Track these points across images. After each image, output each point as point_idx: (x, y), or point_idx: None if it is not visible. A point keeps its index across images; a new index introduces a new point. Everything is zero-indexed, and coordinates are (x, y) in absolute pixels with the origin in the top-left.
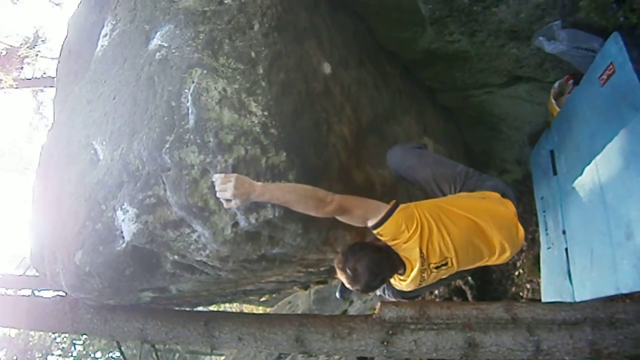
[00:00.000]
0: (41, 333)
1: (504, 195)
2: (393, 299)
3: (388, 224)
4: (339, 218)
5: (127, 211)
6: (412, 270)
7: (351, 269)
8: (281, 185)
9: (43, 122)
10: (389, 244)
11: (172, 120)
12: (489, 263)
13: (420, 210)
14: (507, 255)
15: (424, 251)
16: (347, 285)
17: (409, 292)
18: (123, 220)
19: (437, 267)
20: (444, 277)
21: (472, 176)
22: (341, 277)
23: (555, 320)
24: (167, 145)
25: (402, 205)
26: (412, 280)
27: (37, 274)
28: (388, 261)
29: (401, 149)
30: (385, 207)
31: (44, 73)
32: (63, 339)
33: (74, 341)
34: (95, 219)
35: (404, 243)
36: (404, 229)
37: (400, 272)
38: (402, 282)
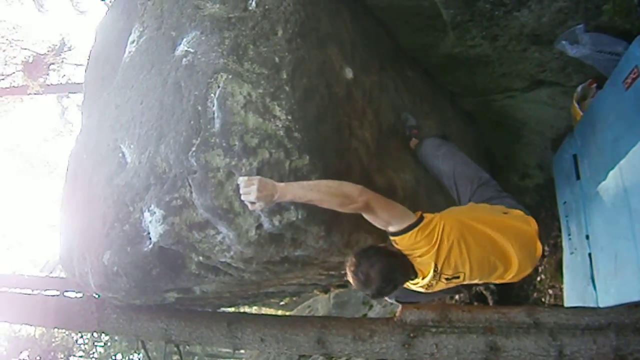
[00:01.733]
0: (64, 334)
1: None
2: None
3: (406, 237)
4: (363, 214)
5: (154, 213)
6: (423, 278)
7: (364, 273)
8: (303, 184)
9: (67, 127)
10: (404, 252)
11: (199, 124)
12: (504, 280)
13: (444, 225)
14: (526, 273)
15: (439, 265)
16: (357, 288)
17: (410, 296)
18: (150, 222)
19: (447, 279)
20: (452, 286)
21: (490, 186)
22: (352, 280)
23: (578, 325)
24: (194, 149)
25: (426, 219)
26: (420, 287)
27: (62, 276)
28: (401, 268)
29: (439, 140)
30: (410, 219)
31: (69, 79)
32: (85, 340)
33: (95, 343)
34: (123, 220)
35: (419, 257)
36: (420, 246)
37: (411, 277)
38: (409, 285)
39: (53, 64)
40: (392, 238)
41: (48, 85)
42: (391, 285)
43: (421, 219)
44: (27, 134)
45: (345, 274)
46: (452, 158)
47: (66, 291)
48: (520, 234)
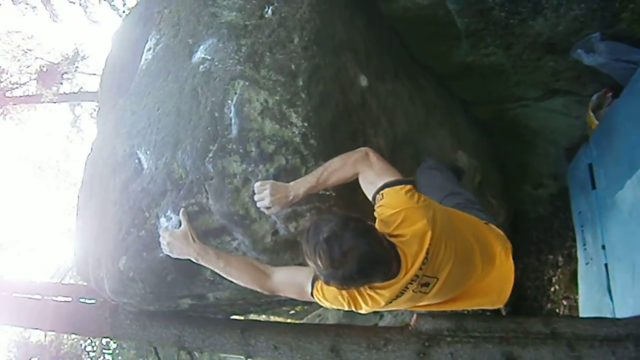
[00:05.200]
0: (73, 341)
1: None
2: None
3: (398, 190)
4: (359, 172)
5: (171, 218)
6: (405, 273)
7: (343, 252)
8: (307, 177)
9: (79, 135)
10: (390, 229)
11: (216, 130)
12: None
13: (434, 205)
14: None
15: (430, 252)
16: (317, 268)
17: None
18: (166, 228)
19: (423, 285)
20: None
21: (472, 203)
22: (318, 254)
23: (596, 336)
24: (211, 155)
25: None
26: (390, 292)
27: (72, 283)
28: (385, 261)
29: (435, 162)
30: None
31: (82, 88)
32: (94, 347)
33: (104, 350)
34: (139, 226)
35: (407, 234)
36: (411, 208)
37: (387, 277)
38: (363, 300)
39: (66, 73)
40: (380, 194)
41: (61, 93)
42: (362, 280)
43: (413, 182)
44: (39, 141)
45: (307, 236)
46: (436, 175)
47: (78, 298)
48: (498, 260)
